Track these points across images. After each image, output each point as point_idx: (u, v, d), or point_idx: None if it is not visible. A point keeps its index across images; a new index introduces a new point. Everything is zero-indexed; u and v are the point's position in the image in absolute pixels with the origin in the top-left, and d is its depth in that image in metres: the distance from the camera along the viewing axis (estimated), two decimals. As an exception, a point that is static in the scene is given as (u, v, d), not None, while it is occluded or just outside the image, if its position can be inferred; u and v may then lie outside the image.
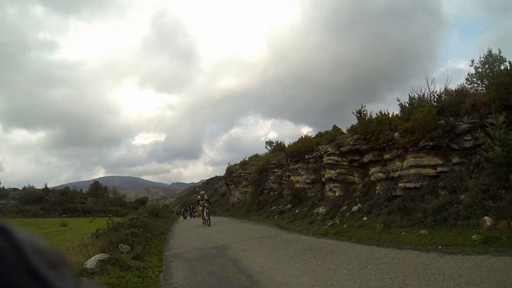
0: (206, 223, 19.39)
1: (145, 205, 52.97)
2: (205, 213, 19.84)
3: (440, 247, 6.43)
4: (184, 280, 7.67)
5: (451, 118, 9.61)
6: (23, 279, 0.49)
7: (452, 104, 10.01)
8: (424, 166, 9.61)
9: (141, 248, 10.66)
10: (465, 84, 11.54)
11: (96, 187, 70.09)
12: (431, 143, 9.39)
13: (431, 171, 9.48)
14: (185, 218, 38.21)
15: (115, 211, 49.70)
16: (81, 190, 67.54)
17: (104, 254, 8.50)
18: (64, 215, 47.19)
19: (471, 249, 5.88)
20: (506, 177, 7.30)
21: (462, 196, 7.98)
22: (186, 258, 10.14)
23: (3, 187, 60.17)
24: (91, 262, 7.78)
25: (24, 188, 58.86)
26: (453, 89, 11.84)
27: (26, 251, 0.52)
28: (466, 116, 9.23)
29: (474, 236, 6.33)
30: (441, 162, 9.35)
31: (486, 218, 6.79)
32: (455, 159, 9.13)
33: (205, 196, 21.64)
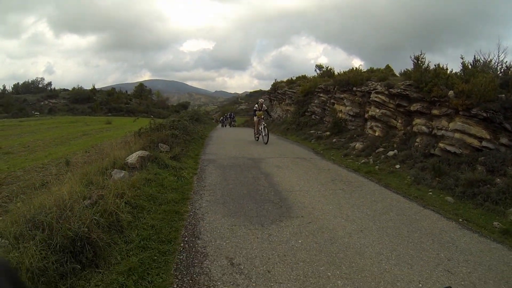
0: (262, 139, 16.35)
1: (186, 109, 54.12)
2: (261, 127, 16.41)
3: (460, 220, 6.34)
4: (216, 185, 8.04)
5: None
6: None
7: None
8: (470, 135, 9.08)
9: (180, 149, 11.12)
10: None
11: (141, 89, 71.78)
12: (484, 114, 8.77)
13: (475, 142, 8.98)
14: (223, 126, 38.99)
15: (157, 113, 51.28)
16: (126, 92, 69.32)
17: (144, 151, 8.97)
18: (109, 114, 49.18)
19: (489, 233, 5.76)
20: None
21: (498, 180, 7.62)
22: (221, 164, 10.54)
23: (54, 88, 63.30)
24: (132, 158, 8.25)
25: (74, 88, 61.79)
26: None
27: None
28: None
29: (495, 223, 6.16)
30: (488, 137, 8.79)
31: None
32: (504, 140, 8.54)
33: (264, 105, 17.50)
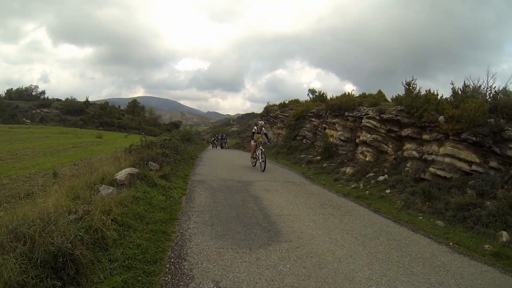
0: (259, 166, 14.62)
1: (178, 128, 54.18)
2: (259, 151, 14.74)
3: (451, 244, 6.35)
4: (205, 206, 7.96)
5: (502, 120, 9.05)
6: None
7: (508, 106, 9.34)
8: (460, 159, 9.20)
9: (169, 168, 11.05)
10: None
11: (134, 105, 72.19)
12: (474, 138, 8.91)
13: (465, 166, 9.08)
14: (214, 147, 38.22)
15: (149, 130, 51.41)
16: (119, 106, 69.74)
17: (134, 168, 8.86)
18: (101, 128, 49.32)
19: (480, 256, 5.78)
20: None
21: (488, 203, 7.71)
22: (210, 186, 10.45)
23: (47, 97, 63.53)
24: (121, 174, 8.13)
25: (67, 99, 62.29)
26: None
27: None
28: None
29: (486, 246, 6.19)
30: (478, 161, 8.92)
31: (504, 232, 6.56)
32: (493, 163, 8.67)
33: (263, 128, 16.03)
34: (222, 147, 38.16)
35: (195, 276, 4.34)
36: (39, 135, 26.91)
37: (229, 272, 4.54)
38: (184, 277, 4.30)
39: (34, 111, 54.01)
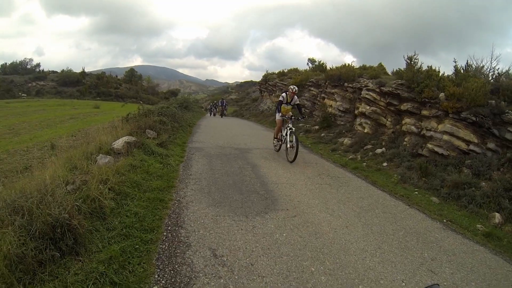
0: (285, 152, 10.32)
1: (176, 96, 53.71)
2: (287, 131, 10.20)
3: (445, 221, 6.40)
4: (202, 174, 8.00)
5: (503, 102, 8.96)
6: None
7: (510, 89, 9.22)
8: (458, 138, 9.16)
9: (167, 136, 11.05)
10: None
11: (131, 74, 71.30)
12: (474, 118, 8.84)
13: (463, 145, 9.07)
14: (212, 115, 35.90)
15: (146, 99, 51.05)
16: (116, 76, 68.86)
17: (131, 137, 8.87)
18: (98, 98, 48.98)
19: (472, 236, 5.82)
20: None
21: (483, 183, 7.73)
22: (207, 153, 10.49)
23: (43, 70, 62.52)
24: (118, 143, 8.14)
25: (63, 71, 61.19)
26: None
27: None
28: None
29: (479, 225, 6.24)
30: (476, 141, 8.89)
31: (497, 214, 6.62)
32: (491, 145, 8.65)
33: (296, 97, 10.88)
34: (222, 115, 33.65)
35: (191, 244, 4.42)
36: (36, 108, 26.78)
37: (225, 240, 4.62)
38: (181, 245, 4.37)
39: (30, 85, 53.45)
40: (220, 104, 35.87)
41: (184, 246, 4.36)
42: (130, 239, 4.28)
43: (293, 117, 10.64)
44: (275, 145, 11.53)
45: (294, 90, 10.67)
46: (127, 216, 4.90)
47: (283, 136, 10.60)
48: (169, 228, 4.86)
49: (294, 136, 9.81)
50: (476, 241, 5.62)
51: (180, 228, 4.89)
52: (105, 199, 4.92)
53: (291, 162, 9.82)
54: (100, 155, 7.07)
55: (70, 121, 19.12)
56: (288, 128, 10.18)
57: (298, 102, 10.99)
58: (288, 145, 9.92)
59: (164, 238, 4.54)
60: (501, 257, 5.08)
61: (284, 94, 10.78)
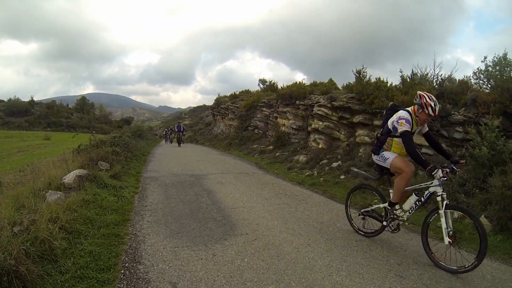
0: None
1: (129, 124, 52.79)
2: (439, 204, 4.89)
3: (407, 224, 6.63)
4: (158, 204, 7.84)
5: (448, 105, 9.53)
6: None
7: (453, 92, 9.87)
8: None
9: (120, 167, 10.80)
10: (471, 78, 11.17)
11: (83, 102, 69.74)
12: None
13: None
14: (168, 142, 34.72)
15: (99, 128, 49.84)
16: (67, 105, 67.01)
17: (83, 170, 8.58)
18: (49, 129, 47.30)
19: (435, 234, 6.01)
20: (484, 179, 7.37)
21: None
22: (163, 182, 10.31)
23: (-12, 99, 59.59)
24: (69, 177, 7.85)
25: (10, 99, 58.25)
26: (457, 79, 11.70)
27: None
28: (463, 108, 9.15)
29: (439, 223, 6.49)
30: (427, 144, 9.36)
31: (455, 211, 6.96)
32: (442, 145, 9.18)
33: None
34: (179, 143, 28.94)
35: (151, 280, 4.26)
36: (-19, 141, 25.38)
37: (186, 271, 4.50)
38: (140, 282, 4.21)
39: (-27, 116, 50.80)
40: (176, 129, 30.18)
41: (144, 282, 4.20)
42: (86, 281, 4.06)
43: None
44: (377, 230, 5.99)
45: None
46: (81, 256, 4.67)
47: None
48: (126, 265, 4.67)
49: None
50: (436, 237, 5.79)
51: (138, 263, 4.72)
52: (56, 239, 4.68)
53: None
54: (50, 191, 6.77)
55: (18, 154, 18.27)
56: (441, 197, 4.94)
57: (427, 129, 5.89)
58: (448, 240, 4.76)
59: (122, 276, 4.35)
60: (464, 250, 5.18)
61: (405, 114, 5.39)
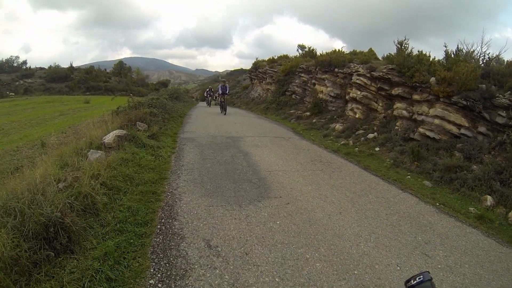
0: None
1: (166, 87, 53.16)
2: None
3: (437, 204, 6.47)
4: (194, 164, 8.00)
5: (493, 86, 9.00)
6: None
7: (500, 73, 9.28)
8: (449, 122, 9.21)
9: (158, 128, 11.00)
10: None
11: (121, 66, 70.38)
12: (464, 102, 8.88)
13: (454, 129, 9.12)
14: (208, 105, 29.76)
15: (137, 91, 50.51)
16: (105, 69, 67.85)
17: (122, 130, 8.82)
18: (88, 93, 48.37)
19: (465, 218, 5.88)
20: (524, 169, 7.09)
21: (475, 167, 7.81)
22: (199, 143, 10.47)
23: (30, 67, 61.38)
24: (109, 137, 8.09)
25: (50, 67, 59.86)
26: (505, 60, 10.98)
27: None
28: (509, 92, 8.61)
29: (471, 208, 6.32)
30: (467, 125, 8.94)
31: (488, 197, 6.69)
32: (482, 129, 8.70)
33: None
34: (222, 108, 21.11)
35: (185, 236, 4.44)
36: (25, 106, 26.49)
37: (219, 230, 4.64)
38: (175, 237, 4.39)
39: (17, 83, 52.40)
40: (220, 91, 21.74)
41: (179, 238, 4.38)
42: (124, 234, 4.29)
43: None
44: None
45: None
46: (120, 211, 4.90)
47: None
48: (162, 220, 4.87)
49: None
50: (469, 223, 5.70)
51: (173, 220, 4.90)
52: (98, 194, 4.91)
53: None
54: (91, 150, 7.04)
55: (60, 117, 18.96)
56: None
57: None
58: None
59: (158, 231, 4.55)
60: (493, 239, 5.17)
61: None
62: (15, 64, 62.41)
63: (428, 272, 1.48)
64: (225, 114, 20.29)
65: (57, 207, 3.82)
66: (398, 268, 4.03)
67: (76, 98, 36.40)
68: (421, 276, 1.45)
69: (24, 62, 63.41)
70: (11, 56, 67.97)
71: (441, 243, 4.81)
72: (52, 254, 3.52)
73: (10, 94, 46.31)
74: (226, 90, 21.97)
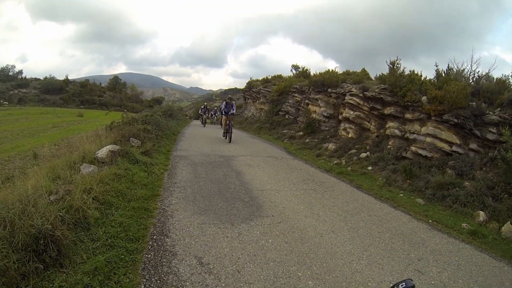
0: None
1: (160, 104, 53.26)
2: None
3: (430, 221, 6.54)
4: (186, 181, 7.96)
5: (483, 104, 9.21)
6: None
7: (490, 91, 9.51)
8: (441, 139, 9.39)
9: (151, 144, 10.99)
10: (510, 77, 10.61)
11: (116, 81, 70.43)
12: (456, 120, 9.06)
13: (445, 147, 9.28)
14: (203, 123, 28.78)
15: (131, 107, 50.41)
16: (100, 84, 67.87)
17: (115, 145, 8.80)
18: (82, 106, 48.14)
19: (458, 234, 5.97)
20: (515, 184, 7.22)
21: (467, 183, 7.94)
22: (192, 161, 10.43)
23: (25, 77, 61.24)
24: (102, 152, 8.07)
25: (46, 78, 59.82)
26: (495, 77, 11.19)
27: None
28: (499, 109, 8.81)
29: (464, 224, 6.40)
30: (458, 142, 9.11)
31: (481, 212, 6.81)
32: (473, 145, 8.87)
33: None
34: (227, 133, 16.30)
35: (177, 253, 4.39)
36: (18, 116, 26.29)
37: (211, 247, 4.61)
38: (167, 254, 4.35)
39: (11, 92, 51.94)
40: (224, 108, 17.44)
41: (170, 255, 4.33)
42: (115, 249, 4.23)
43: None
44: None
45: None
46: (112, 226, 4.85)
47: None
48: (154, 237, 4.82)
49: None
50: (462, 239, 5.77)
51: (165, 237, 4.86)
52: (89, 209, 4.87)
53: None
54: (84, 164, 6.99)
55: (53, 129, 18.84)
56: None
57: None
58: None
59: (149, 247, 4.50)
60: (486, 254, 5.23)
61: None
62: (10, 73, 62.18)
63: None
64: (230, 141, 15.72)
65: (48, 219, 3.77)
66: (391, 285, 4.00)
67: (70, 111, 36.22)
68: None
69: (20, 72, 63.16)
70: (7, 65, 67.70)
71: (434, 259, 4.82)
72: (41, 267, 3.46)
73: (4, 103, 45.98)
74: (232, 109, 16.67)
